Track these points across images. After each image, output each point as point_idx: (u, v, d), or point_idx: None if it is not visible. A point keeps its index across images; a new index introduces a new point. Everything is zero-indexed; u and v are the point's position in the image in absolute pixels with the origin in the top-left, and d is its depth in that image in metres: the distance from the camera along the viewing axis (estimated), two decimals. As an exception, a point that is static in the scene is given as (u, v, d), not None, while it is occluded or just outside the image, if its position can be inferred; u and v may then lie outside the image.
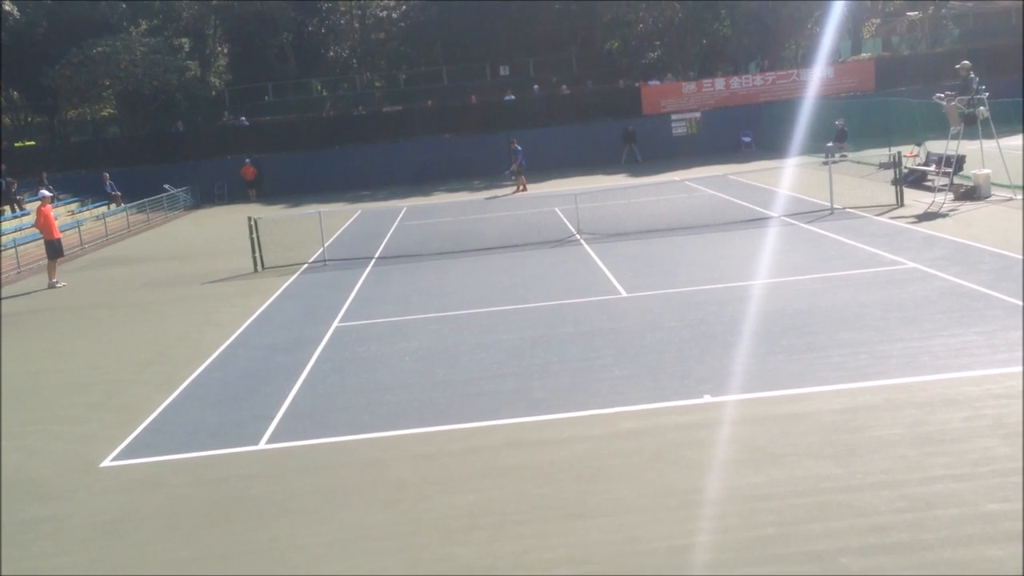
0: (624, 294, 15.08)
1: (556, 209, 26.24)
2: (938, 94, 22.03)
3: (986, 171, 21.17)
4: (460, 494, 7.90)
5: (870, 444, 8.06)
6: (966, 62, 21.74)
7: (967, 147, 22.15)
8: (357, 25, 51.92)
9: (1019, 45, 42.83)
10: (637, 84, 44.62)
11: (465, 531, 7.19)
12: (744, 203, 24.20)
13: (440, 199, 34.12)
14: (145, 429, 10.49)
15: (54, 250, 22.05)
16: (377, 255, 21.67)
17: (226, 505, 8.16)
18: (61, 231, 23.27)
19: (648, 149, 41.16)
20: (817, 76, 42.34)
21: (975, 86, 20.82)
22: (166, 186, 39.05)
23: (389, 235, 24.98)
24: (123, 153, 42.33)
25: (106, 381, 12.85)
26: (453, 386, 10.97)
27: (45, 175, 35.67)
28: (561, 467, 8.27)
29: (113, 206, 36.47)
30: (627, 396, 9.96)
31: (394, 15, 51.42)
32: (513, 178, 33.77)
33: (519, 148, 33.35)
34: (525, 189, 33.06)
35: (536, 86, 45.95)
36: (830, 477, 7.50)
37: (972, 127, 20.99)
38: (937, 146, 23.70)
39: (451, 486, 8.09)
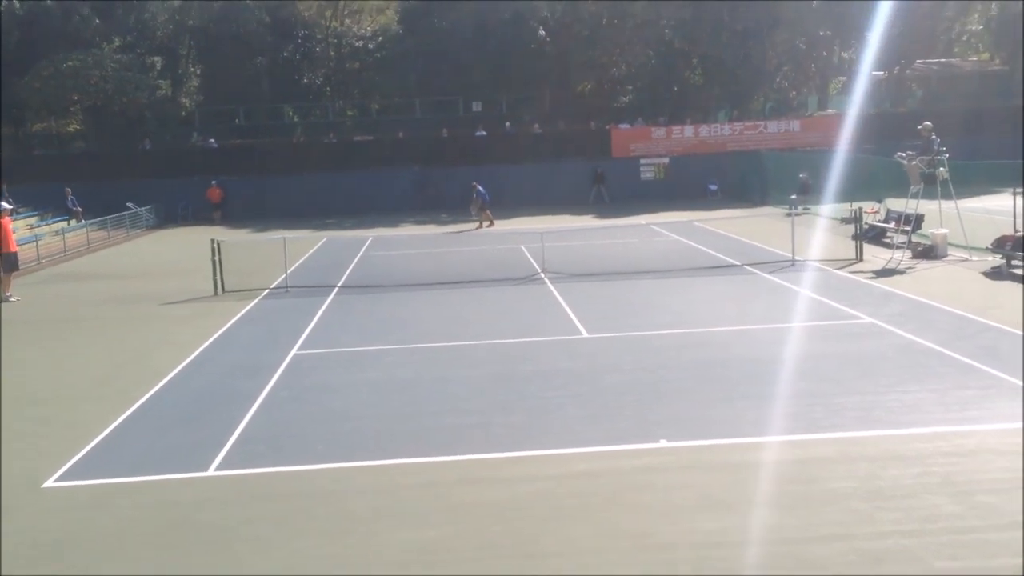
0: (585, 334, 15.12)
1: (522, 246, 26.32)
2: (900, 153, 22.50)
3: (944, 231, 21.60)
4: (413, 529, 7.81)
5: (823, 496, 8.11)
6: (928, 123, 22.25)
7: (926, 206, 22.60)
8: (332, 53, 52.05)
9: (980, 109, 43.96)
10: (608, 127, 45.11)
11: (417, 567, 7.11)
12: (708, 250, 24.46)
13: (407, 231, 34.11)
14: (93, 449, 10.27)
15: (9, 263, 21.67)
16: (340, 284, 21.56)
17: (172, 531, 8.00)
18: (18, 245, 22.89)
19: (616, 191, 41.53)
20: (784, 128, 43.12)
21: (936, 147, 21.31)
22: (129, 204, 38.60)
23: (353, 264, 24.88)
24: (87, 169, 41.78)
25: (56, 398, 12.60)
26: (410, 419, 10.89)
27: (5, 187, 35.13)
28: (516, 506, 8.22)
29: (73, 222, 35.96)
30: (584, 437, 9.95)
31: (370, 45, 51.62)
32: (477, 216, 33.87)
33: (480, 189, 33.51)
34: (492, 224, 33.15)
35: (508, 123, 46.27)
36: (782, 527, 7.52)
37: (932, 187, 21.45)
38: (897, 204, 24.16)
39: (404, 520, 8.01)
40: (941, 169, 21.12)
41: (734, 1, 43.87)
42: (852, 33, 49.53)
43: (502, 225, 32.98)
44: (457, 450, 9.71)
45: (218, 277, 20.83)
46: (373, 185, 41.93)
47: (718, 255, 23.43)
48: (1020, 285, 17.45)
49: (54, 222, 36.11)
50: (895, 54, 48.01)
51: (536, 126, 45.88)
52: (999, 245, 19.43)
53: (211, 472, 9.41)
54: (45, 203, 38.19)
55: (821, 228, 27.84)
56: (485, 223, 33.38)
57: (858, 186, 29.37)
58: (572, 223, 33.39)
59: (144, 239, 35.21)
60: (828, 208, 30.78)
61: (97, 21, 46.09)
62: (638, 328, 15.39)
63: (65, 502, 8.78)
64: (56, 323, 18.29)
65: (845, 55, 50.78)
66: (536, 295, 19.00)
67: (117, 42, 47.12)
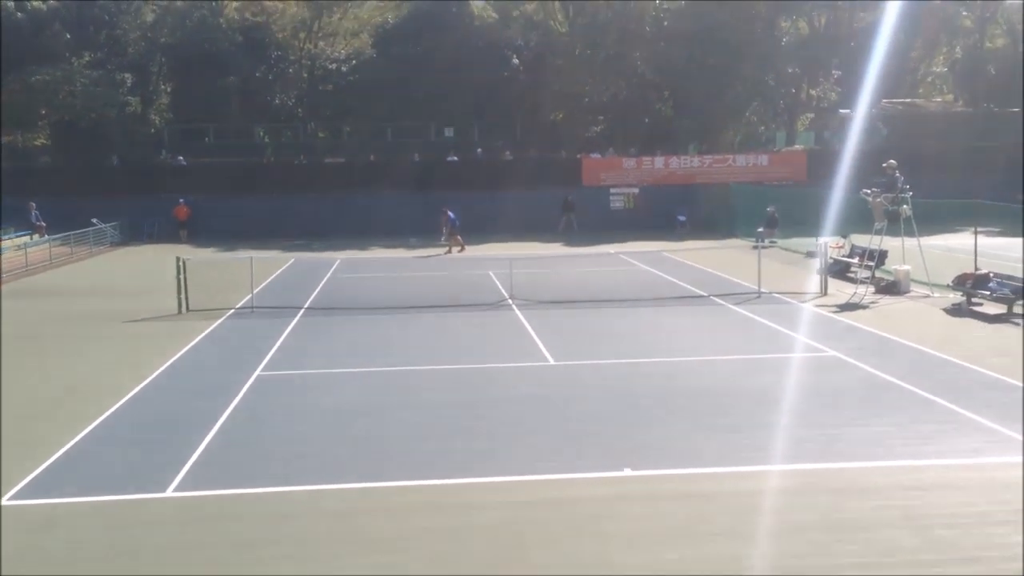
0: (552, 362, 15.13)
1: (490, 272, 26.33)
2: (865, 190, 22.83)
3: (906, 267, 21.91)
4: (372, 554, 7.74)
5: (784, 527, 8.14)
6: (892, 161, 22.62)
7: (890, 243, 22.93)
8: (306, 75, 52.00)
9: (944, 148, 44.73)
10: (579, 156, 45.38)
11: (374, 593, 7.03)
12: (676, 280, 24.61)
13: (376, 254, 34.00)
14: (48, 468, 10.08)
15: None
16: (307, 305, 21.42)
17: (125, 553, 7.86)
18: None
19: (585, 220, 41.69)
20: (752, 163, 43.67)
21: (900, 184, 21.66)
22: (94, 220, 38.14)
23: (321, 286, 24.74)
24: (53, 183, 41.24)
25: (11, 416, 12.34)
26: (373, 443, 10.81)
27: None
28: (478, 532, 8.18)
29: (36, 236, 35.48)
30: (549, 464, 9.93)
31: (343, 68, 51.66)
32: (446, 241, 33.90)
33: (451, 214, 33.55)
34: (463, 249, 33.14)
35: (480, 149, 46.39)
36: (742, 557, 7.54)
37: (895, 224, 21.77)
38: (862, 240, 24.48)
39: (365, 545, 7.93)
40: (904, 207, 21.46)
41: (704, 37, 44.45)
42: (820, 71, 50.38)
43: (472, 251, 32.99)
44: (420, 475, 9.64)
45: (183, 296, 20.62)
46: (342, 207, 41.81)
47: (686, 286, 23.58)
48: (980, 322, 17.73)
49: (16, 236, 35.58)
50: (862, 93, 48.82)
51: (508, 153, 46.04)
52: (960, 282, 19.74)
53: (169, 493, 9.27)
54: (8, 218, 37.60)
55: (787, 261, 28.15)
56: (455, 248, 33.38)
57: (824, 221, 29.73)
58: (541, 250, 33.48)
59: (108, 256, 34.81)
60: (794, 242, 31.13)
61: (68, 36, 45.76)
62: (605, 356, 15.42)
63: (18, 522, 8.60)
64: (14, 340, 17.97)
65: (813, 92, 51.58)
66: (504, 321, 19.00)
67: (87, 57, 46.75)
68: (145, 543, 8.05)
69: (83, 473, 9.93)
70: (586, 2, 50.40)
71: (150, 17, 49.62)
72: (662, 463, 9.91)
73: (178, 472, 9.83)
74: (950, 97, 60.53)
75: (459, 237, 33.48)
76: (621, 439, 10.79)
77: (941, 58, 61.13)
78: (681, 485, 9.28)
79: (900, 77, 55.59)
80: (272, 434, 11.25)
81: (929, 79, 64.05)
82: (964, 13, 54.31)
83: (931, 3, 50.64)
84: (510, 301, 21.30)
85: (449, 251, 33.27)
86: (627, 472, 9.65)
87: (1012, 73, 50.08)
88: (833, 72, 50.35)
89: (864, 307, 19.88)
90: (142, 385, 13.83)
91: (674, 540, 7.92)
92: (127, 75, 47.71)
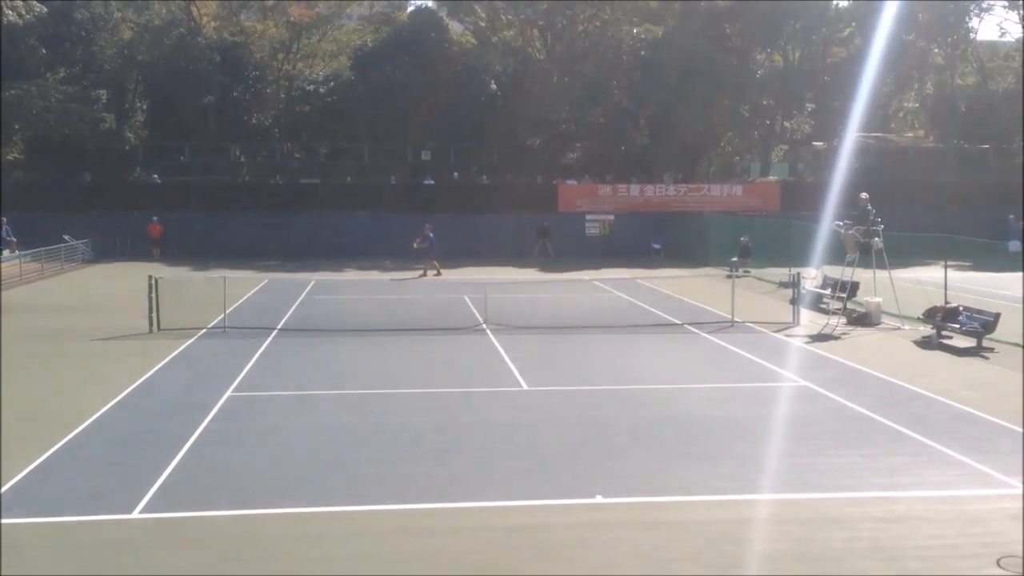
0: (525, 387, 15.10)
1: (465, 297, 26.31)
2: (838, 222, 23.08)
3: (877, 299, 22.13)
4: (340, 580, 7.65)
5: (754, 557, 8.14)
6: (864, 194, 22.90)
7: (861, 275, 23.16)
8: (283, 95, 51.99)
9: (915, 182, 45.37)
10: (555, 181, 45.61)
11: (342, 620, 6.94)
12: (650, 308, 24.70)
13: (350, 276, 33.89)
14: (11, 489, 9.90)
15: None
16: (280, 326, 21.28)
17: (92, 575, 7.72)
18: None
19: (560, 246, 41.85)
20: (727, 192, 44.09)
21: (872, 217, 21.91)
22: (66, 236, 37.78)
23: (294, 307, 24.59)
24: (25, 199, 40.78)
25: (-25, 433, 12.14)
26: (344, 466, 10.72)
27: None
28: (448, 557, 8.11)
29: (6, 252, 35.05)
30: (520, 490, 9.89)
31: (321, 89, 51.71)
32: (422, 260, 33.55)
33: (431, 235, 33.24)
34: (439, 274, 32.88)
35: (456, 173, 46.50)
36: (713, 588, 7.52)
37: (867, 256, 22.01)
38: (834, 271, 24.71)
39: (334, 570, 7.84)
40: (876, 239, 21.70)
41: (681, 67, 44.95)
42: (794, 104, 51.05)
43: (447, 274, 32.92)
44: (390, 499, 9.57)
45: (154, 314, 20.42)
46: (318, 228, 41.70)
47: (659, 313, 23.67)
48: (949, 355, 17.92)
49: (-14, 252, 35.17)
50: (835, 126, 49.55)
51: (484, 177, 46.18)
52: (930, 315, 19.95)
53: (135, 515, 9.13)
54: (-23, 232, 37.21)
55: (760, 291, 28.35)
56: (431, 271, 33.15)
57: (797, 251, 30.01)
58: (516, 275, 33.50)
59: (79, 273, 34.44)
60: (767, 272, 31.36)
61: (43, 51, 45.48)
62: (578, 383, 15.42)
63: (-22, 542, 8.43)
64: (-19, 355, 17.70)
65: (788, 124, 52.23)
66: (478, 346, 18.96)
67: (63, 73, 46.49)
68: (111, 565, 7.91)
69: (48, 494, 9.76)
70: (564, 30, 50.95)
71: (127, 34, 49.46)
72: (634, 491, 9.90)
73: (145, 493, 9.69)
74: (921, 132, 61.45)
75: (435, 261, 33.26)
76: (593, 466, 10.77)
77: (912, 94, 62.09)
78: (651, 513, 9.26)
79: (872, 112, 56.41)
80: (243, 456, 11.13)
81: (901, 114, 65.03)
82: (935, 51, 55.28)
83: (904, 40, 51.49)
84: (484, 325, 21.27)
85: (424, 274, 33.11)
86: (599, 499, 9.63)
87: (983, 110, 51.01)
88: (807, 105, 51.05)
89: (836, 338, 20.03)
90: (110, 404, 13.65)
91: (641, 569, 7.90)
92: (102, 91, 47.52)
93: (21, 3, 44.06)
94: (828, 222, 25.67)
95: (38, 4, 44.94)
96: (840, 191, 38.55)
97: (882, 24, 45.00)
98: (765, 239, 35.19)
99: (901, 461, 11.00)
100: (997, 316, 18.64)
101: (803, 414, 13.31)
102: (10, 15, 42.90)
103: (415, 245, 33.34)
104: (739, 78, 47.48)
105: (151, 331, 20.14)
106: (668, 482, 10.21)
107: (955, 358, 17.72)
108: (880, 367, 16.62)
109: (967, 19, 52.64)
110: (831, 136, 50.63)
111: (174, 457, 10.99)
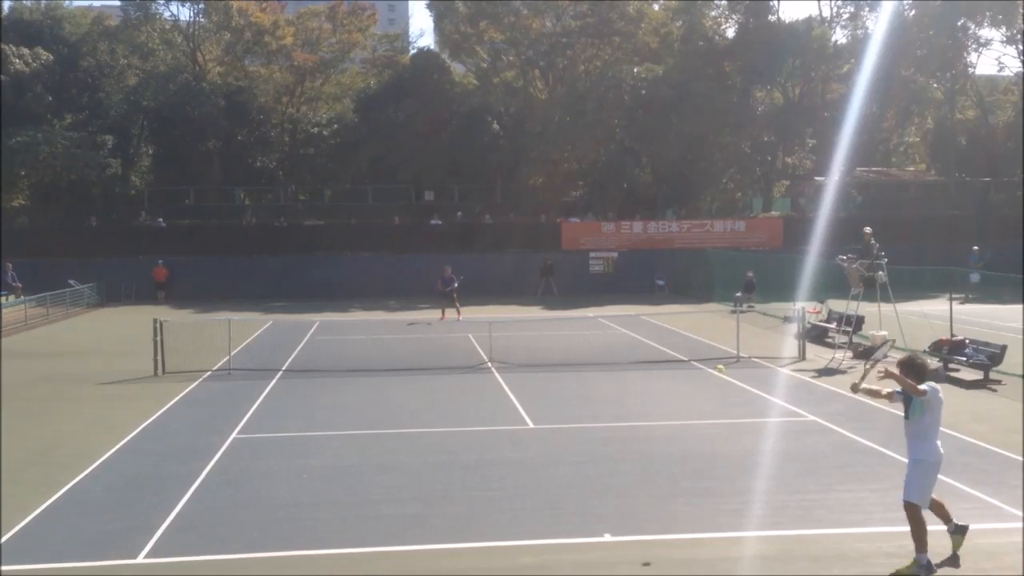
0: (531, 425, 15.04)
1: (470, 335, 26.29)
2: (841, 256, 23.10)
3: (883, 333, 22.05)
4: (347, 623, 7.58)
5: (765, 594, 8.06)
6: (868, 229, 22.94)
7: (866, 308, 23.12)
8: (287, 138, 52.42)
9: (916, 217, 45.46)
10: (558, 220, 45.77)
11: (349, 663, 6.87)
12: (655, 344, 24.66)
13: (355, 316, 33.90)
14: (16, 535, 9.86)
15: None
16: (285, 368, 21.27)
17: (95, 621, 7.66)
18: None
19: (564, 284, 41.88)
20: (729, 228, 44.22)
21: (875, 251, 21.93)
22: (71, 281, 37.89)
23: (299, 348, 24.59)
24: (31, 243, 41.00)
25: (-20, 479, 12.11)
26: (350, 507, 10.66)
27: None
28: (454, 600, 8.04)
29: (12, 297, 35.16)
30: (527, 530, 9.82)
31: (325, 132, 52.13)
32: (447, 300, 32.00)
33: (451, 276, 31.86)
34: (459, 316, 31.17)
35: (460, 212, 46.70)
36: (724, 626, 7.43)
37: (871, 290, 21.99)
38: (839, 305, 24.68)
39: (338, 614, 7.77)
40: (880, 273, 21.70)
41: (682, 105, 45.28)
42: (795, 140, 51.32)
43: (448, 313, 32.71)
44: (397, 540, 9.50)
45: (159, 357, 20.43)
46: (323, 270, 41.83)
47: (665, 349, 23.62)
48: (957, 388, 17.83)
49: (-8, 297, 35.26)
50: (836, 161, 49.75)
51: (487, 216, 46.40)
52: (936, 348, 19.88)
53: (140, 560, 9.08)
54: (-17, 277, 37.33)
55: (765, 326, 28.31)
56: (451, 313, 31.46)
57: (801, 286, 30.00)
58: (521, 314, 33.48)
59: (85, 317, 34.51)
60: (772, 306, 31.32)
61: (50, 98, 45.98)
62: (584, 420, 15.36)
63: (-18, 589, 8.39)
64: (-14, 400, 17.70)
65: (789, 160, 52.45)
66: (483, 384, 18.92)
67: (69, 119, 46.94)
68: (114, 611, 7.85)
69: (53, 539, 9.71)
70: (565, 70, 51.44)
71: (133, 81, 50.02)
72: (641, 529, 9.82)
73: (150, 537, 9.64)
74: (923, 166, 61.71)
75: (458, 304, 31.62)
76: (601, 504, 10.70)
77: (913, 128, 62.46)
78: (660, 551, 9.18)
79: (873, 146, 56.74)
80: (247, 498, 11.08)
81: (902, 148, 65.36)
82: (935, 85, 55.68)
83: (903, 75, 51.90)
84: (489, 364, 21.24)
85: (443, 316, 31.75)
86: (607, 538, 9.55)
87: (983, 143, 51.27)
88: (808, 141, 51.32)
89: (842, 372, 19.96)
90: (116, 448, 13.62)
91: (655, 608, 7.81)
92: (108, 137, 47.95)
93: (28, 51, 44.68)
94: (831, 256, 25.65)
95: (44, 52, 45.57)
96: (839, 225, 38.73)
97: (867, 57, 45.39)
98: (768, 274, 35.20)
99: (911, 495, 10.89)
100: (1004, 348, 18.58)
101: (811, 449, 13.23)
102: (17, 63, 43.52)
103: (439, 287, 32.29)
104: (739, 115, 47.78)
105: (156, 374, 20.14)
106: (676, 520, 10.13)
107: (962, 391, 17.64)
108: (887, 401, 16.48)
109: (965, 54, 53.08)
110: (832, 171, 50.87)
111: (179, 500, 10.94)
